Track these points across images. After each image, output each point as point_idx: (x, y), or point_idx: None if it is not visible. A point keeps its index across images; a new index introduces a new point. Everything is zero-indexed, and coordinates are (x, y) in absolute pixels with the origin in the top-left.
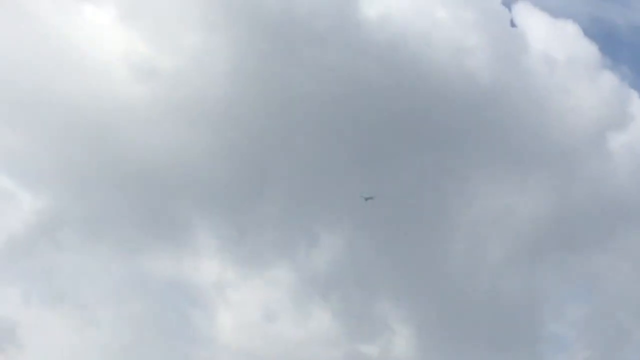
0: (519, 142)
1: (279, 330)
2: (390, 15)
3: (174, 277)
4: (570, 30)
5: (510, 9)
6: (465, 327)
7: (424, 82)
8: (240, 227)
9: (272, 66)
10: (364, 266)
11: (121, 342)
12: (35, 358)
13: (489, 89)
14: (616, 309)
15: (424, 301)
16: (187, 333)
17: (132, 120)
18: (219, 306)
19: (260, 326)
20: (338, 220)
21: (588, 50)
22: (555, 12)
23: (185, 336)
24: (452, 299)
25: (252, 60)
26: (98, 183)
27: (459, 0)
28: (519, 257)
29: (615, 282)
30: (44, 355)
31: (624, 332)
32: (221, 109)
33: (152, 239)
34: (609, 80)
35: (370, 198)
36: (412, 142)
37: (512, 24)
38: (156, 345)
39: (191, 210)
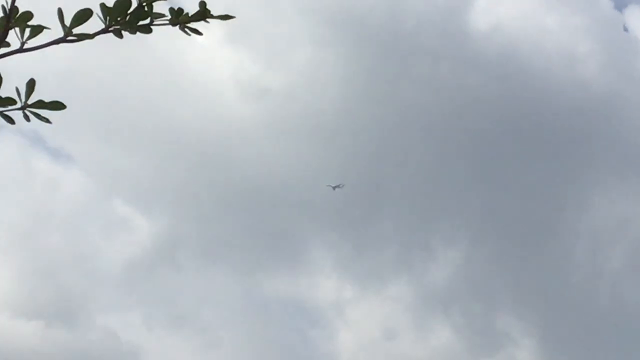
0: (635, 149)
1: (400, 347)
2: (499, 26)
3: (293, 296)
4: None
5: (622, 13)
6: (589, 337)
7: (536, 92)
8: (357, 244)
9: (382, 80)
10: (483, 279)
11: None
12: None
13: (602, 97)
14: None
15: (545, 312)
16: (308, 353)
17: (245, 140)
18: (338, 325)
19: (381, 344)
20: (455, 234)
21: None
22: None
23: (306, 356)
24: (574, 309)
25: (362, 75)
26: (213, 204)
27: (568, 6)
28: None
29: None
30: None
31: None
32: (333, 126)
33: (269, 259)
34: None
35: (338, 187)
36: (526, 152)
37: (625, 29)
38: None
39: (307, 228)
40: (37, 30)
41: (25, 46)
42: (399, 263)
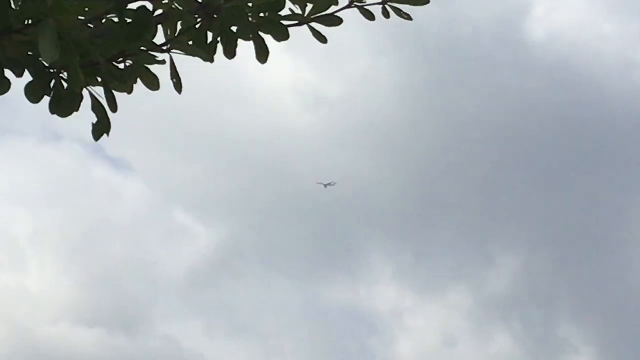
0: None
1: (459, 355)
2: (555, 33)
3: (352, 304)
4: None
5: None
6: None
7: (594, 99)
8: (416, 251)
9: (440, 89)
10: (543, 286)
11: None
12: None
13: None
14: None
15: (607, 319)
16: None
17: (303, 149)
18: (398, 333)
19: (440, 352)
20: (513, 241)
21: None
22: None
23: None
24: (637, 317)
25: (419, 84)
26: (272, 213)
27: (626, 13)
28: None
29: None
30: None
31: None
32: (391, 134)
33: (328, 267)
34: None
35: (329, 184)
36: (586, 159)
37: None
38: None
39: (366, 236)
40: None
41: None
42: (458, 270)
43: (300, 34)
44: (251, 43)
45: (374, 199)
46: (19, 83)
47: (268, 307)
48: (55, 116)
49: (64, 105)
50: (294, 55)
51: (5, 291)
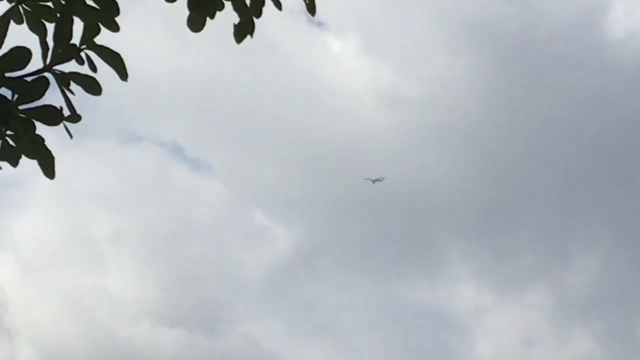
0: None
1: (539, 355)
2: (634, 32)
3: (431, 304)
4: None
5: None
6: None
7: None
8: (495, 251)
9: (517, 89)
10: (622, 285)
11: None
12: None
13: None
14: None
15: None
16: None
17: (382, 149)
18: (477, 333)
19: (520, 351)
20: (593, 240)
21: None
22: None
23: None
24: None
25: (496, 84)
26: (351, 213)
27: None
28: None
29: None
30: None
31: None
32: (469, 134)
33: (407, 267)
34: None
35: (378, 180)
36: None
37: None
38: None
39: (445, 236)
40: None
41: None
42: (538, 270)
43: (375, 36)
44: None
45: (452, 198)
46: (102, 85)
47: (347, 306)
48: (135, 117)
49: None
50: (372, 57)
51: (87, 292)
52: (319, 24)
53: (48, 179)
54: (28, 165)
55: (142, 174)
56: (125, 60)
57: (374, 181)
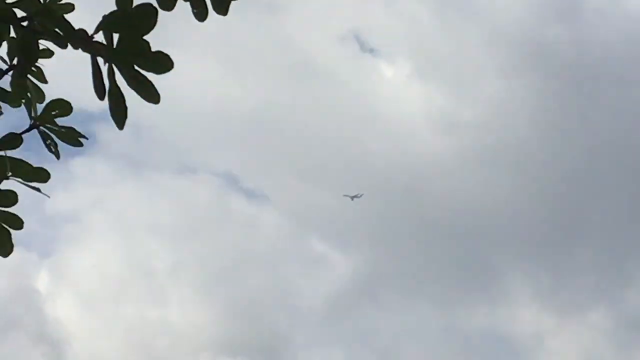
0: None
1: None
2: None
3: (492, 328)
4: None
5: None
6: None
7: None
8: (554, 272)
9: (572, 108)
10: None
11: None
12: None
13: None
14: None
15: None
16: None
17: (438, 174)
18: (539, 355)
19: None
20: None
21: None
22: None
23: None
24: None
25: (551, 104)
26: (409, 239)
27: None
28: None
29: None
30: None
31: None
32: (525, 155)
33: (467, 291)
34: None
35: (356, 196)
36: None
37: None
38: None
39: (504, 258)
40: None
41: None
42: (598, 290)
43: (429, 60)
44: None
45: (510, 220)
46: (155, 117)
47: (408, 332)
48: (190, 148)
49: None
50: (424, 82)
51: (147, 325)
52: (371, 51)
53: (104, 214)
54: (85, 199)
55: (198, 204)
56: (177, 92)
57: (352, 197)
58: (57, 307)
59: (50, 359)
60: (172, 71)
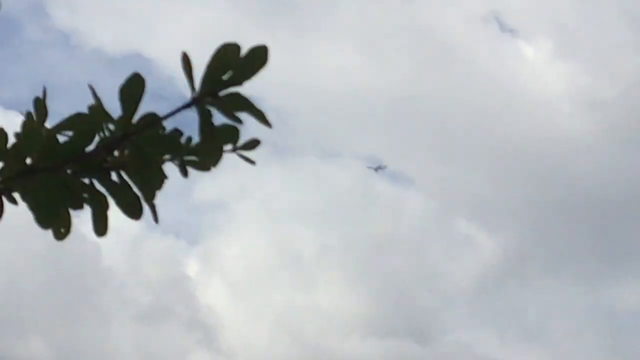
0: None
1: None
2: None
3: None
4: None
5: None
6: None
7: None
8: None
9: None
10: None
11: None
12: None
13: None
14: None
15: None
16: None
17: (582, 152)
18: None
19: None
20: None
21: None
22: None
23: None
24: None
25: None
26: (555, 218)
27: None
28: None
29: None
30: None
31: None
32: None
33: (615, 270)
34: None
35: (379, 168)
36: None
37: None
38: None
39: None
40: None
41: None
42: None
43: (569, 38)
44: None
45: None
46: (298, 103)
47: (557, 311)
48: (333, 133)
49: None
50: (565, 60)
51: (296, 311)
52: (511, 31)
53: (249, 200)
54: (230, 187)
55: (343, 188)
56: (320, 78)
57: (376, 169)
58: (207, 294)
59: (205, 346)
60: (314, 58)
